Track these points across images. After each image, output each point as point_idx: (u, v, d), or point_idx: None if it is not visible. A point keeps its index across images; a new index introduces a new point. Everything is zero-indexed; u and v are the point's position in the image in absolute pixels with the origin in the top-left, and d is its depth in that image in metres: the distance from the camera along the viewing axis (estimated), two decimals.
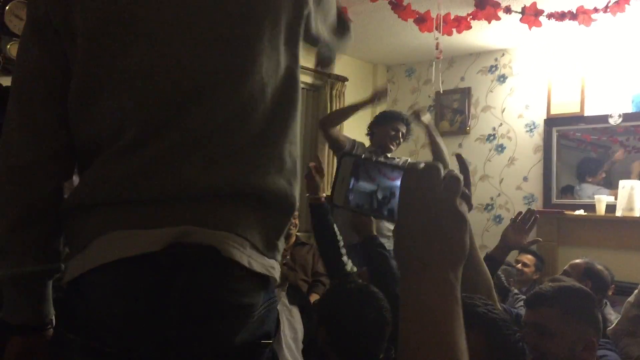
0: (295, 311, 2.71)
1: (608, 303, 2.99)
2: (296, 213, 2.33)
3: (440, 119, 5.10)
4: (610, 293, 3.48)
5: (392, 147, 3.48)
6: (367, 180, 0.66)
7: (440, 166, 0.61)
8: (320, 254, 2.39)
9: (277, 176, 1.00)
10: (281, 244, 1.03)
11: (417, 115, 3.47)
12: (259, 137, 0.98)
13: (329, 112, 4.68)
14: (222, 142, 0.95)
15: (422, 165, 0.62)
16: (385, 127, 3.46)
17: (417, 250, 0.60)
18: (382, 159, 3.42)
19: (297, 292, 3.26)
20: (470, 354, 0.56)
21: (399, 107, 5.43)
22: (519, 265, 3.95)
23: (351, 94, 5.04)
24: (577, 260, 3.03)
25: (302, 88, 3.98)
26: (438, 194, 0.60)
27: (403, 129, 3.49)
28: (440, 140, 3.48)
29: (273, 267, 1.00)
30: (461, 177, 0.62)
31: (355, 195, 0.66)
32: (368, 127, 3.59)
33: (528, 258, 3.97)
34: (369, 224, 2.10)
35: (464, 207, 0.61)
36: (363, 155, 0.68)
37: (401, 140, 3.52)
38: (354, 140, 3.52)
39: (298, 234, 3.69)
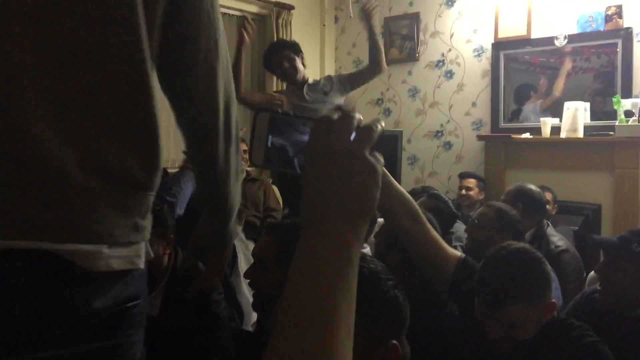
0: (252, 245, 2.71)
1: (550, 224, 3.06)
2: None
3: (389, 46, 5.01)
4: (553, 212, 3.60)
5: (296, 78, 3.46)
6: (283, 136, 0.63)
7: (356, 115, 0.57)
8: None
9: (126, 145, 0.86)
10: (148, 222, 0.93)
11: (367, 13, 3.43)
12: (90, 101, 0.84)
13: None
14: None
15: (337, 115, 0.57)
16: (278, 64, 3.44)
17: (316, 203, 0.55)
18: (294, 112, 3.43)
19: (251, 228, 3.26)
20: None
21: (347, 35, 5.31)
22: (463, 191, 4.03)
23: (298, 23, 4.89)
24: (510, 187, 3.10)
25: (252, 18, 3.85)
26: (346, 143, 0.56)
27: (292, 54, 3.46)
28: (381, 44, 3.56)
29: (138, 255, 0.90)
30: (378, 127, 0.57)
31: (272, 153, 0.62)
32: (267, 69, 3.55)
33: (470, 182, 4.05)
34: None
35: (376, 159, 0.57)
36: (280, 110, 0.65)
37: (298, 65, 3.48)
38: (272, 94, 3.54)
39: (248, 169, 3.62)
